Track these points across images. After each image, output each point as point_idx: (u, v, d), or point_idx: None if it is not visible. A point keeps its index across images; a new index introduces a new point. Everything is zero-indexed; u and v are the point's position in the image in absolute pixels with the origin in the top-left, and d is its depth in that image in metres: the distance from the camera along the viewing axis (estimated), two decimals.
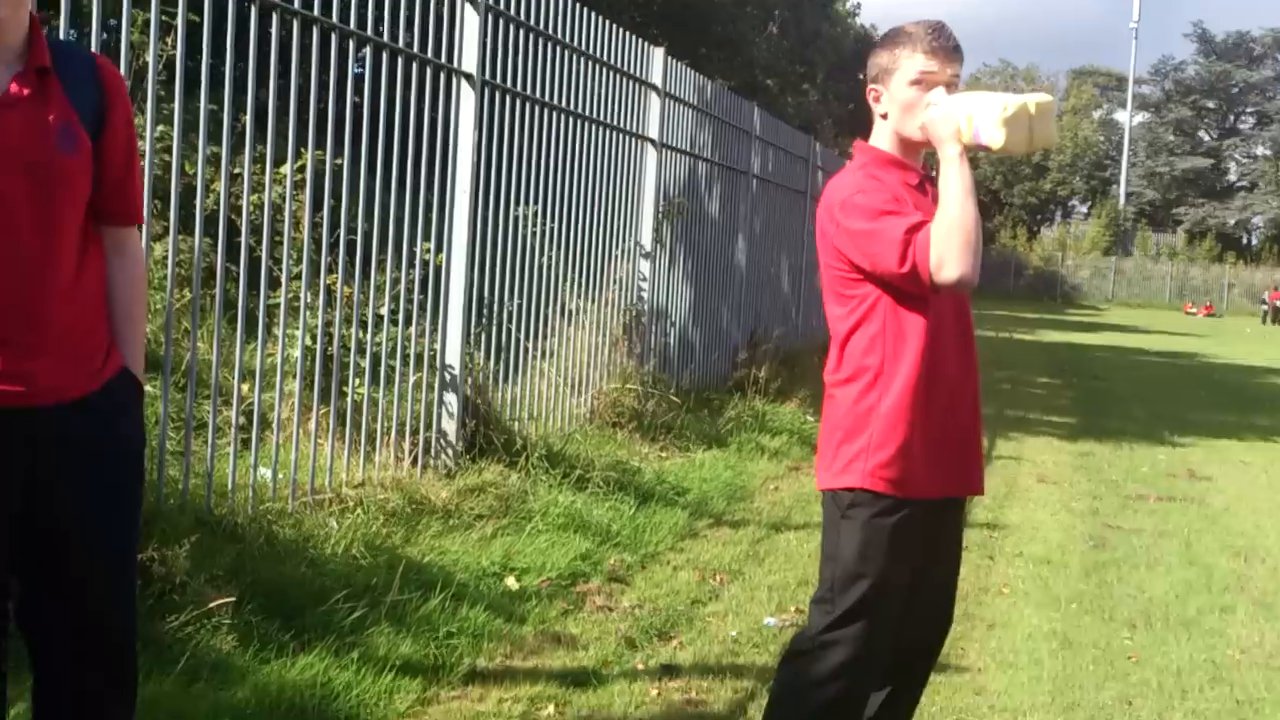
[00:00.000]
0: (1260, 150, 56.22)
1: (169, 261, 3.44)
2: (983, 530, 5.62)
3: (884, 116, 2.38)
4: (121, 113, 1.98)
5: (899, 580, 2.34)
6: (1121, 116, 58.37)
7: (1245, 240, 55.39)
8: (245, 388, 4.13)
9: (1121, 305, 44.08)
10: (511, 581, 3.96)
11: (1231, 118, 57.50)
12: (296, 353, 4.12)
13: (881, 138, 2.41)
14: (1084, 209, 59.38)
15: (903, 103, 2.34)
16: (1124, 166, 54.95)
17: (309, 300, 4.08)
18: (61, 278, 1.87)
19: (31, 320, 1.83)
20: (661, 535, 4.86)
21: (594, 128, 6.24)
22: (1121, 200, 54.36)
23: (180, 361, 4.26)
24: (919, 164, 2.44)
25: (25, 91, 1.85)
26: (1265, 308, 38.11)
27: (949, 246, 2.16)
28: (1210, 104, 56.73)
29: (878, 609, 2.31)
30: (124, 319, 2.00)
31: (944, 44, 2.32)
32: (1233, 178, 57.19)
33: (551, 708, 3.06)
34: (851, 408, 2.33)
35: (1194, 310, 40.67)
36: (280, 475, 3.89)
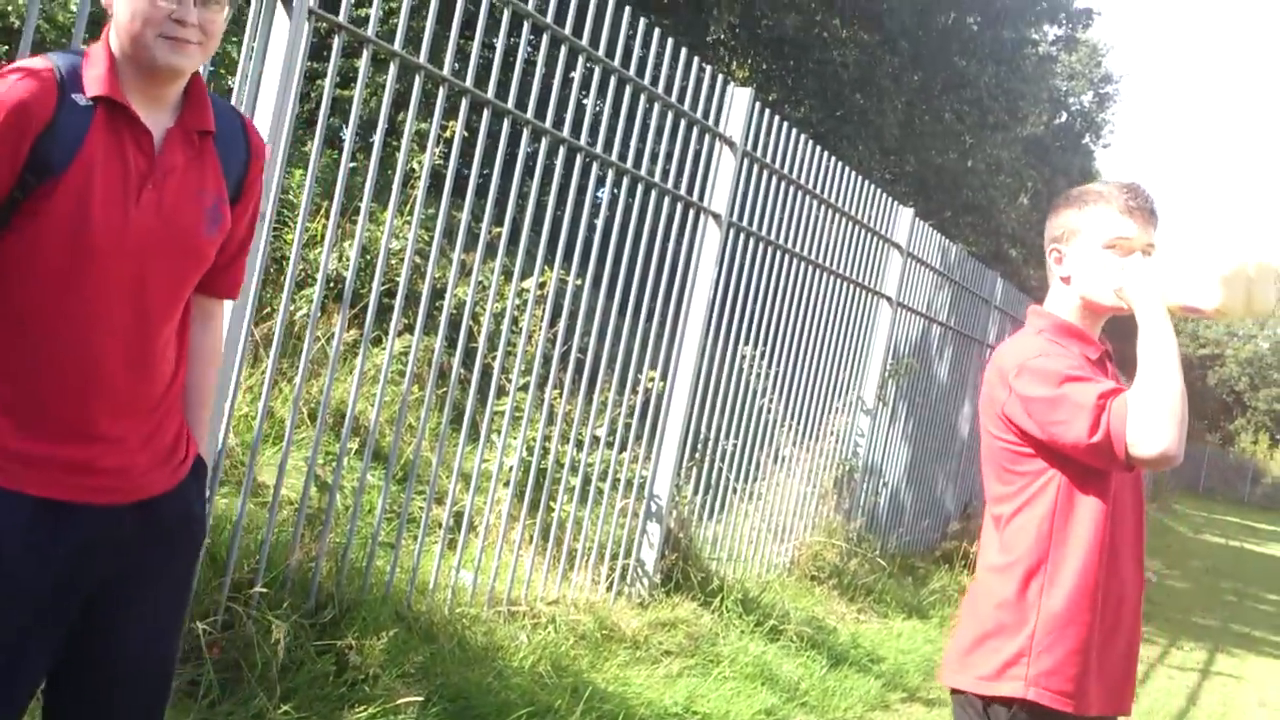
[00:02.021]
0: None
1: (409, 359, 3.59)
2: None
3: (1066, 280, 2.16)
4: (259, 184, 1.82)
5: None
6: None
7: None
8: (458, 490, 4.23)
9: None
10: None
11: None
12: (511, 461, 4.20)
13: (1060, 304, 2.18)
14: None
15: (1094, 263, 2.10)
16: None
17: (530, 413, 4.17)
18: (166, 363, 1.70)
19: (141, 412, 1.67)
20: (851, 702, 4.61)
21: (833, 279, 6.23)
22: None
23: (402, 455, 4.41)
24: (1099, 337, 2.18)
25: (182, 157, 1.67)
26: None
27: (1152, 417, 1.89)
28: None
29: None
30: (198, 393, 1.81)
31: (1141, 204, 2.09)
32: None
33: None
34: (1011, 602, 2.02)
35: None
36: (478, 581, 3.92)
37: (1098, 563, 2.01)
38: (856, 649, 5.34)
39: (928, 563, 7.75)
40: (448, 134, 3.86)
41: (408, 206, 3.49)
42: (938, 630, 6.33)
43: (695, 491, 5.29)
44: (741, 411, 5.59)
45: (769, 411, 5.86)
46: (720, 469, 5.50)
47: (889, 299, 6.96)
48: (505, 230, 3.92)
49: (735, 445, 5.58)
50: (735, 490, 5.64)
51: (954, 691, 2.09)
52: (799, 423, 6.18)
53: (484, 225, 3.85)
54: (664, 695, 3.92)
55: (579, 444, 4.45)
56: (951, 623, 6.60)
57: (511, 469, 4.14)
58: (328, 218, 4.14)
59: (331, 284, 5.40)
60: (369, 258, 5.74)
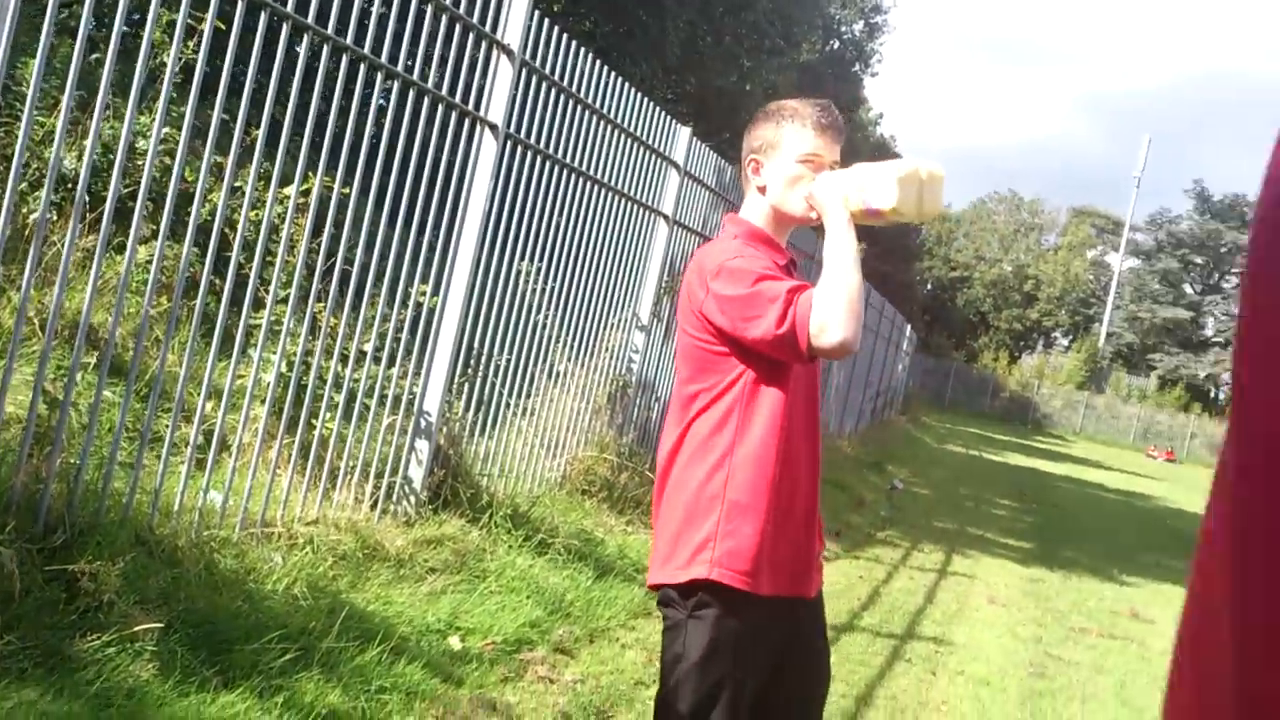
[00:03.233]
0: (1237, 310, 57.20)
1: (152, 267, 3.34)
2: (929, 644, 5.54)
3: (761, 190, 2.32)
4: None
5: (749, 687, 2.15)
6: (1113, 259, 59.47)
7: (1213, 394, 56.08)
8: (209, 407, 4.01)
9: (1087, 439, 44.42)
10: (455, 641, 3.82)
11: (1216, 275, 58.57)
12: (269, 377, 4.01)
13: (755, 211, 2.34)
14: (1065, 342, 60.15)
15: (788, 176, 2.29)
16: (1109, 308, 55.86)
17: (291, 326, 3.98)
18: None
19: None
20: (615, 611, 4.73)
21: (611, 195, 6.21)
22: (1102, 339, 55.16)
23: (146, 370, 4.14)
24: (786, 245, 2.38)
25: None
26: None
27: (834, 311, 2.08)
28: (1198, 259, 57.83)
29: (729, 716, 2.13)
30: None
31: (832, 123, 2.29)
32: (1209, 332, 58.06)
33: None
34: (696, 493, 2.16)
35: (1155, 454, 41.05)
36: (230, 502, 3.75)
37: (776, 454, 2.17)
38: (623, 560, 5.47)
39: None
40: (201, 26, 3.56)
41: (154, 102, 3.21)
42: None
43: (467, 408, 5.23)
44: (517, 327, 5.54)
45: (544, 327, 5.84)
46: (494, 384, 5.46)
47: (666, 217, 7.03)
48: (263, 132, 3.68)
49: (509, 360, 5.54)
50: (509, 406, 5.62)
51: (657, 588, 2.22)
52: (574, 338, 6.19)
53: (238, 124, 3.60)
54: (427, 613, 3.89)
55: (344, 359, 4.30)
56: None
57: (269, 385, 3.96)
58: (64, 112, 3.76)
59: (67, 185, 4.95)
60: (110, 157, 5.29)
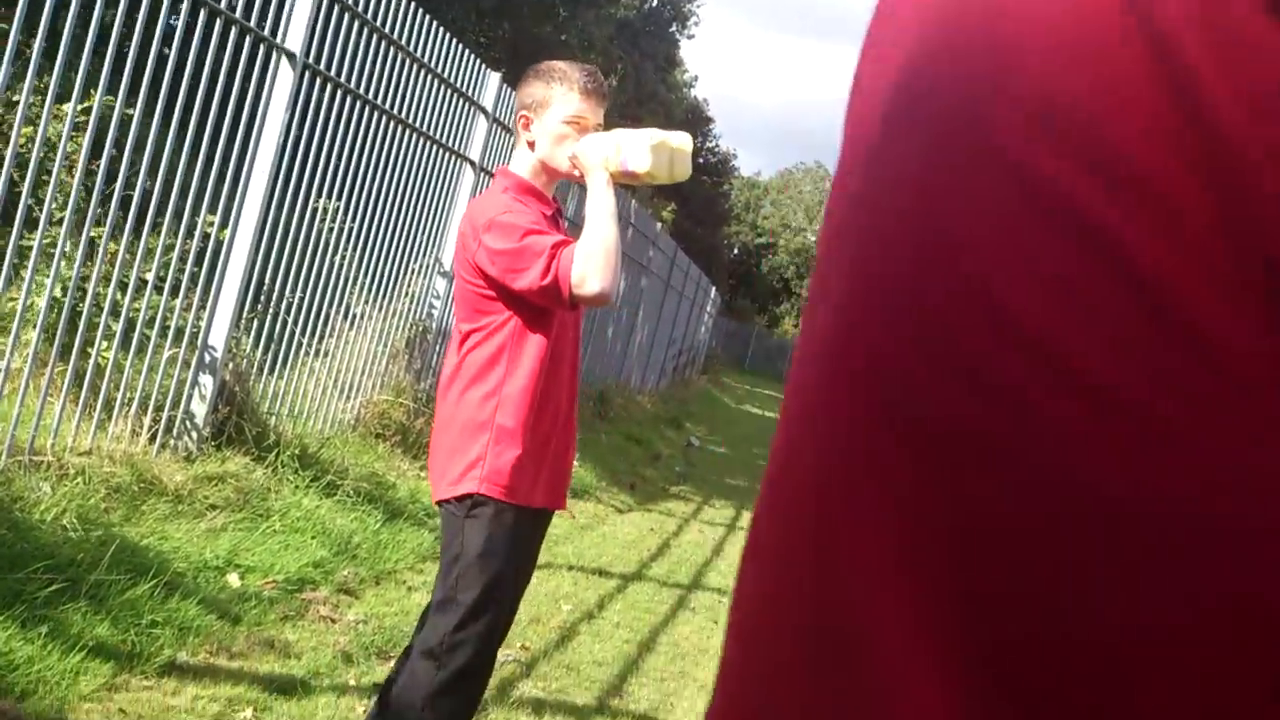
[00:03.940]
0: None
1: None
2: (713, 594, 5.80)
3: (530, 145, 2.52)
4: None
5: (514, 579, 2.47)
6: None
7: None
8: None
9: None
10: (234, 579, 3.79)
11: None
12: (42, 302, 3.84)
13: (523, 165, 2.55)
14: None
15: (555, 135, 2.49)
16: None
17: (66, 250, 3.82)
18: None
19: None
20: (403, 554, 4.77)
21: (415, 137, 6.15)
22: None
23: None
24: (553, 198, 2.61)
25: None
26: None
27: (593, 263, 2.33)
28: None
29: (500, 606, 2.42)
30: None
31: (598, 89, 2.52)
32: None
33: (250, 711, 2.93)
34: (470, 418, 2.42)
35: None
36: None
37: (540, 387, 2.44)
38: (414, 504, 5.50)
39: None
40: None
41: None
42: None
43: (256, 345, 5.13)
44: (312, 265, 5.45)
45: (342, 268, 5.76)
46: (285, 323, 5.36)
47: (473, 163, 7.01)
48: (38, 43, 3.49)
49: (303, 299, 5.44)
50: (300, 345, 5.53)
51: (439, 504, 2.47)
52: (373, 281, 6.13)
53: (12, 33, 3.41)
54: (205, 549, 3.84)
55: (124, 287, 4.15)
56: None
57: (41, 310, 3.79)
58: None
59: None
60: None
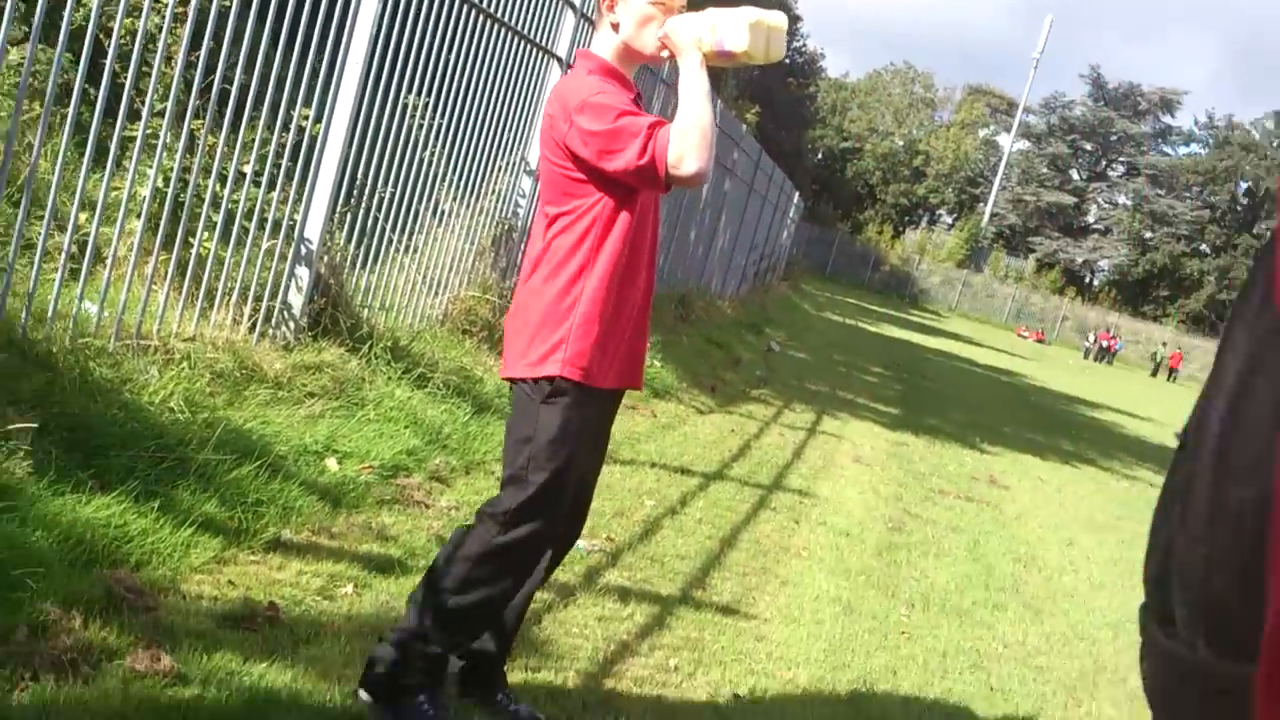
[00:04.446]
0: (1122, 199, 59.27)
1: (24, 70, 3.23)
2: (794, 495, 5.85)
3: (615, 27, 2.48)
4: None
5: (585, 463, 2.54)
6: (1004, 140, 60.51)
7: (1088, 279, 58.45)
8: (84, 218, 3.93)
9: (962, 316, 46.00)
10: (332, 464, 3.92)
11: (1104, 163, 60.27)
12: (145, 191, 3.94)
13: (606, 47, 2.51)
14: (949, 219, 61.50)
15: (640, 16, 2.45)
16: (995, 188, 57.10)
17: (168, 141, 3.90)
18: None
19: None
20: (491, 446, 4.88)
21: (504, 33, 6.11)
22: (985, 219, 56.57)
23: (16, 177, 4.02)
24: (634, 82, 2.57)
25: None
26: (1089, 345, 40.56)
27: (689, 143, 2.30)
28: (1088, 146, 59.32)
29: (567, 490, 2.48)
30: None
31: None
32: (1091, 219, 60.11)
33: (350, 587, 3.06)
34: (553, 303, 2.43)
35: (1026, 334, 42.79)
36: (105, 314, 3.73)
37: (625, 272, 2.46)
38: (501, 398, 5.60)
39: None
40: None
41: None
42: None
43: (349, 240, 5.21)
44: (402, 161, 5.49)
45: (431, 164, 5.80)
46: (377, 218, 5.44)
47: (560, 59, 6.95)
48: None
49: (394, 195, 5.50)
50: (391, 241, 5.61)
51: (512, 382, 2.51)
52: (461, 178, 6.16)
53: None
54: (305, 434, 3.97)
55: (223, 179, 4.24)
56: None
57: (145, 200, 3.89)
58: None
59: None
60: None
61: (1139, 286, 56.19)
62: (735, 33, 2.38)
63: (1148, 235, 56.82)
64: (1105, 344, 40.26)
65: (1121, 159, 59.75)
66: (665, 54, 2.48)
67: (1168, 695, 0.68)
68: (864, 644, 3.81)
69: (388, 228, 5.51)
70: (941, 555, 5.40)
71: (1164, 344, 42.99)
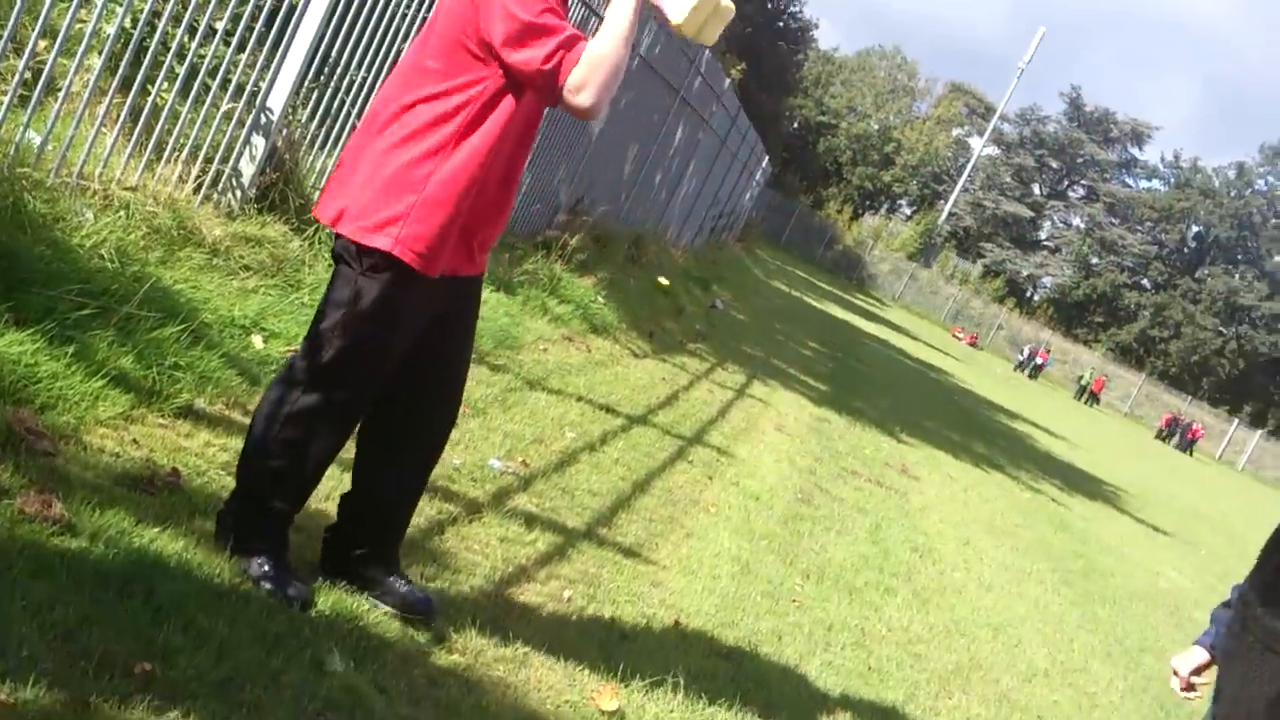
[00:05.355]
0: (1076, 221, 60.25)
1: None
2: (712, 452, 5.90)
3: None
4: None
5: (395, 350, 2.43)
6: (975, 142, 60.90)
7: (1029, 293, 59.46)
8: (43, 45, 3.77)
9: (903, 308, 46.55)
10: (258, 341, 3.84)
11: (1066, 183, 61.06)
12: (110, 29, 3.79)
13: None
14: (908, 211, 61.95)
15: None
16: (958, 189, 57.55)
17: None
18: None
19: None
20: None
21: None
22: (943, 217, 57.07)
23: None
24: None
25: None
26: (1022, 357, 41.33)
27: (596, 74, 2.24)
28: (1054, 163, 60.00)
29: (372, 367, 2.42)
30: None
31: None
32: (1043, 235, 61.01)
33: None
34: (401, 171, 2.31)
35: (961, 336, 43.40)
36: (50, 148, 3.59)
37: (487, 162, 2.33)
38: None
39: (527, 246, 8.05)
40: None
41: None
42: (520, 307, 6.70)
43: (311, 118, 5.07)
44: (380, 47, 5.34)
45: (405, 54, 5.65)
46: (344, 101, 5.30)
47: None
48: None
49: (364, 80, 5.36)
50: (353, 127, 5.47)
51: (338, 235, 2.40)
52: None
53: None
54: (235, 307, 3.88)
55: (193, 31, 4.08)
56: (534, 304, 7.00)
57: (109, 37, 3.74)
58: None
59: None
60: None
61: (1076, 308, 57.36)
62: (677, 3, 2.33)
63: (1094, 261, 57.91)
64: (1039, 360, 41.03)
65: (1084, 182, 60.57)
66: None
67: None
68: (755, 606, 3.87)
69: (353, 113, 5.37)
70: (843, 533, 5.49)
71: (1091, 369, 43.95)
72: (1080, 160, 59.43)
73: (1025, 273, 58.74)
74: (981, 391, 20.78)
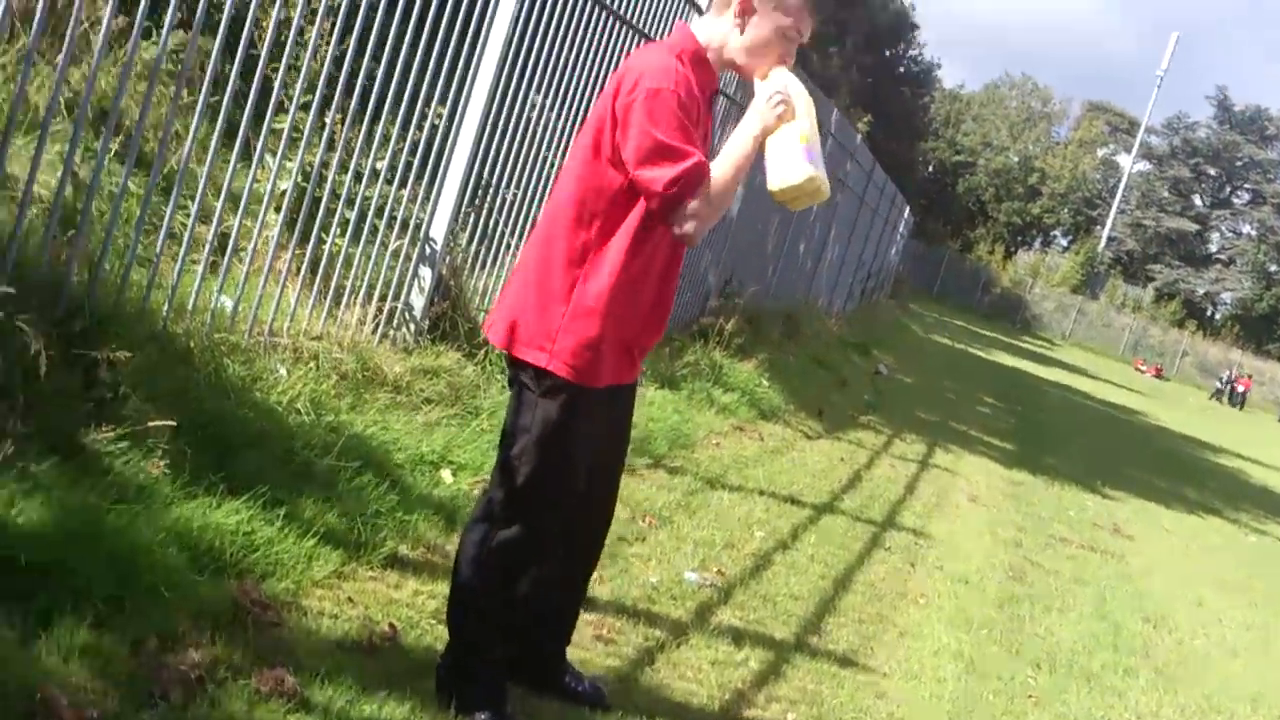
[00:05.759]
0: (1246, 228, 56.78)
1: (186, 58, 3.22)
2: (907, 534, 5.64)
3: (739, 27, 2.38)
4: None
5: (582, 465, 2.46)
6: (1124, 160, 58.51)
7: (1209, 312, 56.13)
8: (225, 209, 3.94)
9: (1075, 345, 44.54)
10: (447, 475, 3.86)
11: (1228, 189, 57.84)
12: (285, 185, 3.94)
13: (714, 34, 2.41)
14: (1064, 241, 59.73)
15: (766, 36, 2.37)
16: (1113, 211, 55.22)
17: (309, 137, 3.88)
18: None
19: None
20: None
21: (634, 36, 6.01)
22: (1103, 243, 54.73)
23: (166, 163, 4.05)
24: (718, 77, 2.49)
25: None
26: (1221, 385, 36.99)
27: (706, 210, 2.27)
28: (1211, 170, 56.97)
29: (566, 486, 2.44)
30: None
31: (822, 12, 2.40)
32: (1213, 248, 57.72)
33: None
34: (560, 272, 2.34)
35: (1144, 368, 40.87)
36: (240, 308, 3.72)
37: (632, 271, 2.34)
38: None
39: (684, 336, 8.01)
40: None
41: None
42: (686, 402, 6.62)
43: (471, 239, 5.17)
44: (528, 163, 5.43)
45: (554, 166, 5.73)
46: (498, 220, 5.39)
47: None
48: None
49: (517, 197, 5.45)
50: (511, 245, 5.55)
51: (509, 356, 2.44)
52: None
53: None
54: (421, 443, 3.92)
55: (358, 176, 4.21)
56: (700, 397, 6.91)
57: (285, 193, 3.89)
58: None
59: None
60: None
61: (1263, 322, 53.74)
62: (785, 169, 2.32)
63: (1273, 268, 54.40)
64: (1241, 388, 36.76)
65: (1247, 185, 57.22)
66: (757, 79, 2.41)
67: None
68: (990, 707, 3.62)
69: (506, 232, 5.45)
70: (1066, 610, 5.13)
71: None
72: (1239, 163, 56.27)
73: (1201, 290, 55.54)
74: (1179, 428, 19.49)
